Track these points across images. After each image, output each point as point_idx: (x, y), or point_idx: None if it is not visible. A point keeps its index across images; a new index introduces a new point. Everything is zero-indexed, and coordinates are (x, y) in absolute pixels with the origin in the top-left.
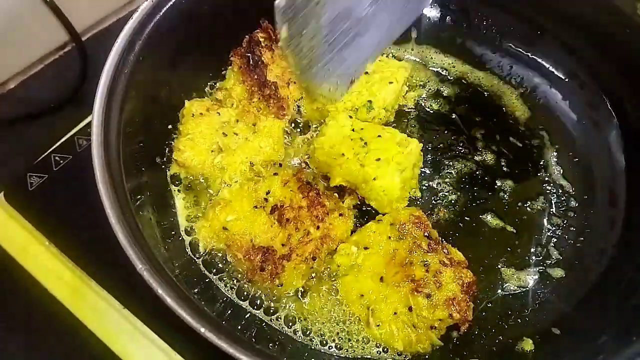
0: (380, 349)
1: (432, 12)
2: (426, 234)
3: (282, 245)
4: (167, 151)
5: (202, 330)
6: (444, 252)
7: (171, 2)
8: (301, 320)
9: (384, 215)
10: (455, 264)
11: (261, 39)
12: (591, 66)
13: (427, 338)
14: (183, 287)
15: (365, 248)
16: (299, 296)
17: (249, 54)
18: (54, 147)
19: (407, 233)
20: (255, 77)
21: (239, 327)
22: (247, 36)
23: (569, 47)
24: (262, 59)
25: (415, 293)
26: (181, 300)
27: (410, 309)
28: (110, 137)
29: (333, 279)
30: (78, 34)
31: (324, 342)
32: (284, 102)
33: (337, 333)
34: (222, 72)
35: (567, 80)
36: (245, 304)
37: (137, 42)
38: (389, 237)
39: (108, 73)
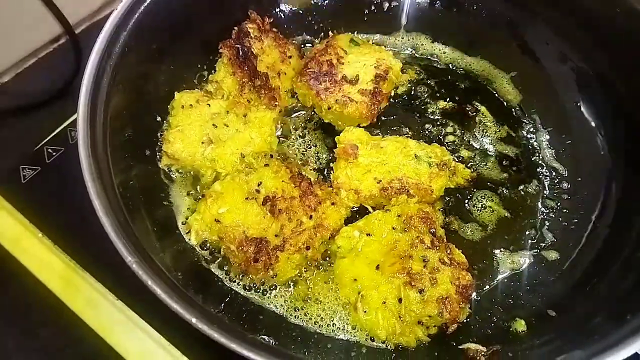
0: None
1: None
2: (432, 230)
3: (275, 236)
4: (157, 144)
5: (194, 320)
6: (446, 251)
7: None
8: (297, 306)
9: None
10: (455, 265)
11: (250, 30)
12: (583, 49)
13: (411, 332)
14: (174, 278)
15: (368, 235)
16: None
17: (238, 45)
18: (47, 139)
19: (412, 226)
20: (246, 68)
21: (234, 315)
22: (235, 27)
23: (561, 31)
24: (252, 49)
25: (409, 286)
26: (171, 292)
27: (400, 300)
28: (96, 131)
29: (330, 265)
30: (71, 26)
31: (317, 324)
32: (275, 92)
33: (331, 316)
34: (209, 62)
35: (559, 63)
36: (241, 291)
37: (122, 34)
38: (393, 228)
39: (92, 67)
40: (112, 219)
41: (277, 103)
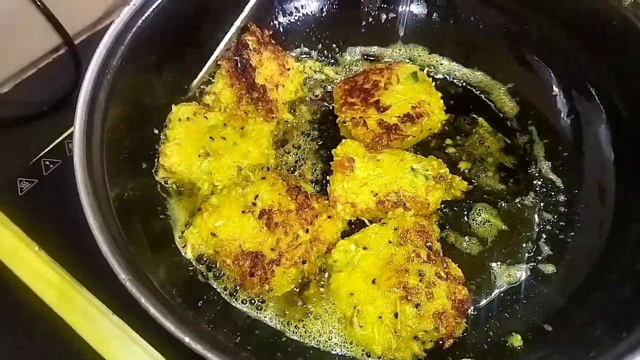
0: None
1: (418, 9)
2: (428, 244)
3: (271, 249)
4: (154, 156)
5: (187, 340)
6: (442, 265)
7: (153, 7)
8: (293, 320)
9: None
10: (452, 279)
11: (249, 42)
12: (578, 60)
13: (407, 347)
14: (169, 294)
15: (364, 248)
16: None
17: (237, 57)
18: (45, 151)
19: (408, 240)
20: (244, 80)
21: (230, 330)
22: (234, 40)
23: (556, 41)
24: (251, 62)
25: (405, 301)
26: (165, 310)
27: (396, 315)
28: (92, 144)
29: (325, 279)
30: (70, 37)
31: (314, 339)
32: (273, 104)
33: (327, 331)
34: (200, 74)
35: (554, 74)
36: (237, 305)
37: (120, 47)
38: (390, 242)
39: (90, 81)
40: (106, 236)
41: (274, 115)
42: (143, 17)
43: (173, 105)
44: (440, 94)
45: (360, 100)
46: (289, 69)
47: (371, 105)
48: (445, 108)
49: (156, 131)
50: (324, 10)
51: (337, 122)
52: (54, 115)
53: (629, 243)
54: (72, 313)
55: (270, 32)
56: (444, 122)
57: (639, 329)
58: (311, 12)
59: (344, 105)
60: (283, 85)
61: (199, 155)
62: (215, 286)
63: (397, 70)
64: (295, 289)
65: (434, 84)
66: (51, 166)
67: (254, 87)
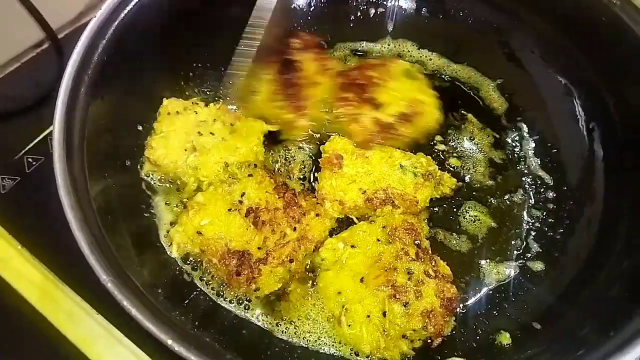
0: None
1: (407, 4)
2: (416, 242)
3: (258, 248)
4: (139, 154)
5: (169, 342)
6: (431, 264)
7: (135, 1)
8: (281, 320)
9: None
10: (440, 277)
11: (296, 44)
12: (568, 56)
13: (395, 346)
14: (154, 295)
15: (352, 246)
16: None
17: (281, 56)
18: (27, 148)
19: (397, 238)
20: (283, 76)
21: (216, 330)
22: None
23: (546, 37)
24: (293, 61)
25: (393, 299)
26: (147, 311)
27: (384, 314)
28: (73, 143)
29: (314, 277)
30: (54, 31)
31: (303, 338)
32: (304, 101)
33: (316, 331)
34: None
35: (544, 70)
36: (224, 305)
37: (101, 43)
38: (378, 240)
39: (69, 76)
40: (87, 236)
41: (304, 112)
42: (125, 11)
43: (164, 99)
44: (436, 93)
45: (354, 95)
46: (328, 70)
47: (366, 101)
48: (440, 107)
49: (141, 128)
50: (312, 4)
51: (328, 117)
52: (37, 110)
53: (617, 241)
54: (55, 312)
55: (318, 38)
56: (440, 122)
57: (627, 327)
58: (298, 6)
59: (338, 99)
60: (320, 84)
61: (185, 150)
62: (201, 286)
63: (390, 67)
64: (283, 287)
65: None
66: (34, 163)
67: (291, 84)
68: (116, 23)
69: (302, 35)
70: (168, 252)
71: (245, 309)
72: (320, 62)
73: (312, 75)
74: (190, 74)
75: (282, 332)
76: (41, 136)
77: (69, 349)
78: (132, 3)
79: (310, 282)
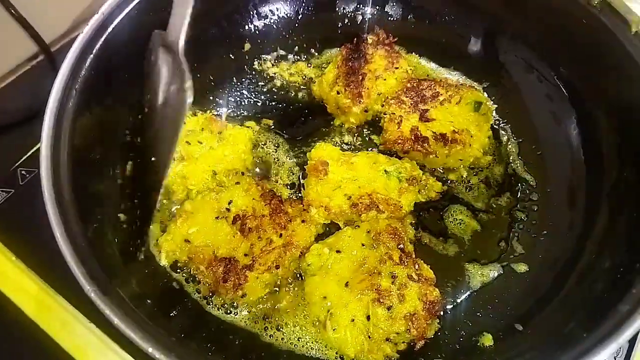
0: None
1: (394, 10)
2: (400, 246)
3: (245, 255)
4: (126, 164)
5: (150, 350)
6: (414, 267)
7: (122, 16)
8: (268, 325)
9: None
10: (423, 280)
11: (369, 39)
12: (552, 61)
13: (379, 349)
14: (142, 304)
15: (338, 251)
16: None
17: (354, 48)
18: (21, 160)
19: (381, 242)
20: (351, 64)
21: (204, 336)
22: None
23: (529, 41)
24: (365, 53)
25: (377, 303)
26: (129, 319)
27: (368, 318)
28: (60, 155)
29: (301, 281)
30: (47, 45)
31: (289, 342)
32: (363, 91)
33: (302, 335)
34: None
35: (527, 74)
36: (211, 311)
37: (89, 57)
38: (363, 244)
39: (58, 90)
40: (71, 246)
41: (361, 100)
42: (113, 25)
43: None
44: (490, 133)
45: (411, 102)
46: (397, 68)
47: (417, 111)
48: (486, 149)
49: (129, 138)
50: (299, 12)
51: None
52: (31, 123)
53: (599, 242)
54: (50, 322)
55: (395, 39)
56: (478, 162)
57: (606, 324)
58: (286, 14)
59: (396, 99)
60: (385, 79)
61: (174, 159)
62: (189, 293)
63: (463, 92)
64: (269, 293)
65: None
66: (27, 176)
67: (355, 72)
68: (104, 37)
69: (378, 32)
70: (157, 260)
71: (234, 315)
72: (390, 60)
73: (379, 69)
74: None
75: (269, 336)
76: (34, 149)
77: (63, 357)
78: (119, 18)
79: (297, 287)
